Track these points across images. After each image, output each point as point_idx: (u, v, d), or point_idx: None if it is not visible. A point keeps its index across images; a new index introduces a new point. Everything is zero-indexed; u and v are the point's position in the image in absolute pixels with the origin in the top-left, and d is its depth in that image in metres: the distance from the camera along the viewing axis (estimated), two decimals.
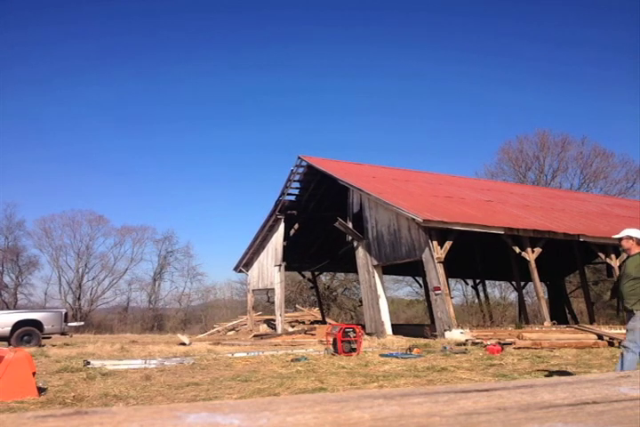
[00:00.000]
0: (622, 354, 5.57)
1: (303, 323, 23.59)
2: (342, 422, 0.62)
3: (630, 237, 5.78)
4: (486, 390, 0.79)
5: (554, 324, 14.02)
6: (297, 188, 20.20)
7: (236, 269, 23.61)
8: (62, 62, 67.93)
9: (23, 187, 65.68)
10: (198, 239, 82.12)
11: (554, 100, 68.37)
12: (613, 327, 13.34)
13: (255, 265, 22.32)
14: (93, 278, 44.21)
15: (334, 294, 36.06)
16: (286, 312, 26.41)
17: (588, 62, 65.38)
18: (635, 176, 36.22)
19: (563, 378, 0.94)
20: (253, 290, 22.82)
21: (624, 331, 11.68)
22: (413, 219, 13.39)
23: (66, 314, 14.85)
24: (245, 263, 22.68)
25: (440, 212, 14.18)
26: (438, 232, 13.60)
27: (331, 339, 9.64)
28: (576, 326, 12.38)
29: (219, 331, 24.50)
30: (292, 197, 20.55)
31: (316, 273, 25.22)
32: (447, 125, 74.93)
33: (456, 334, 12.20)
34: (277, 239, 20.64)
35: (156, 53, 73.13)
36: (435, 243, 13.42)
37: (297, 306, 29.11)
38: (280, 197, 20.15)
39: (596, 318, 18.14)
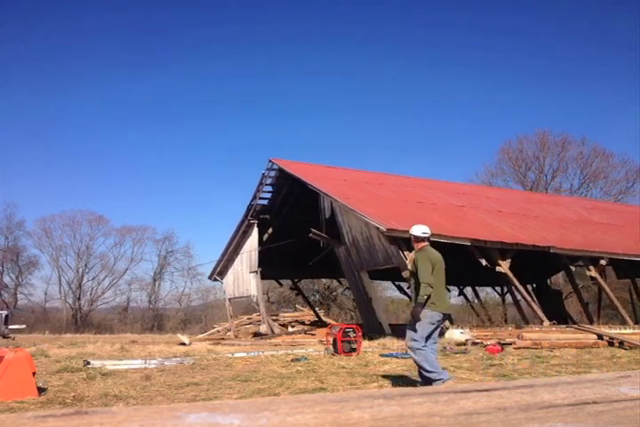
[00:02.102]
0: (415, 353, 5.49)
1: (303, 323, 23.56)
2: (342, 423, 0.62)
3: (411, 235, 5.90)
4: (486, 390, 0.79)
5: (554, 324, 14.01)
6: (269, 191, 19.61)
7: (210, 277, 22.86)
8: (62, 62, 67.96)
9: (23, 187, 65.77)
10: (198, 239, 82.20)
11: (554, 100, 68.42)
12: (613, 327, 13.33)
13: (230, 272, 21.49)
14: (93, 278, 44.28)
15: (334, 293, 36.07)
16: (285, 312, 26.31)
17: (588, 62, 65.43)
18: (635, 176, 36.25)
19: (563, 378, 0.94)
20: (229, 298, 21.94)
21: (624, 331, 11.70)
22: (377, 227, 13.03)
23: (6, 316, 14.51)
24: (220, 271, 21.87)
25: (407, 219, 13.50)
26: (407, 240, 13.10)
27: (331, 339, 9.64)
28: (576, 326, 12.37)
29: (219, 331, 24.49)
30: (265, 202, 19.97)
31: (296, 280, 24.14)
32: (447, 125, 74.96)
33: (456, 334, 12.19)
34: (251, 245, 19.94)
35: (157, 53, 73.15)
36: (406, 253, 12.70)
37: (297, 306, 29.05)
38: (252, 201, 19.58)
39: (594, 318, 18.01)
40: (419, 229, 5.82)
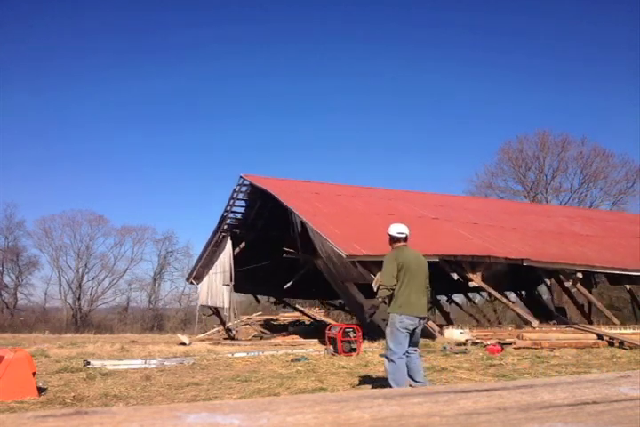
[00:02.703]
0: (387, 362, 5.29)
1: (303, 324, 23.53)
2: (342, 423, 0.62)
3: (387, 234, 5.68)
4: (486, 390, 0.79)
5: (554, 324, 14.01)
6: (242, 206, 19.36)
7: (187, 279, 22.52)
8: (62, 62, 67.98)
9: (23, 187, 65.77)
10: (198, 239, 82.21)
11: (554, 100, 68.40)
12: (613, 327, 13.32)
13: (205, 280, 21.07)
14: (93, 278, 44.30)
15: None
16: (285, 313, 26.23)
17: (588, 62, 65.42)
18: (635, 176, 36.21)
19: (563, 378, 0.94)
20: (202, 305, 21.54)
21: (624, 331, 11.70)
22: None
23: None
24: (196, 276, 21.53)
25: (372, 238, 12.94)
26: (374, 262, 12.33)
27: (330, 339, 9.65)
28: (576, 325, 12.37)
29: (219, 331, 24.47)
30: (239, 215, 19.70)
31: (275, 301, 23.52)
32: (447, 125, 74.95)
33: (456, 334, 12.19)
34: (225, 257, 19.47)
35: (157, 53, 73.16)
36: (377, 273, 12.23)
37: (296, 306, 29.04)
38: (224, 213, 19.32)
39: (593, 318, 17.91)
40: (395, 229, 5.60)
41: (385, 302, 5.40)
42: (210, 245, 20.33)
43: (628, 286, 16.43)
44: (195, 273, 21.67)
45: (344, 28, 74.96)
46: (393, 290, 5.21)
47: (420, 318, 5.30)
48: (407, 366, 5.28)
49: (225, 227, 19.58)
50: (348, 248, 12.48)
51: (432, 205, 19.60)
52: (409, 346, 5.28)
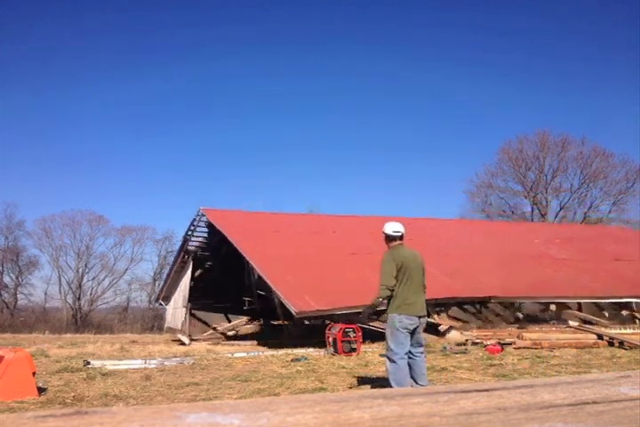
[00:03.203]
0: (388, 362, 5.25)
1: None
2: (342, 423, 0.62)
3: (383, 233, 5.58)
4: (486, 390, 0.79)
5: (553, 324, 14.02)
6: (205, 232, 19.07)
7: (156, 300, 22.58)
8: (62, 61, 68.00)
9: (23, 187, 65.77)
10: None
11: (554, 100, 68.36)
12: (613, 327, 13.32)
13: (172, 301, 21.16)
14: (93, 278, 44.32)
15: None
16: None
17: (588, 62, 65.39)
18: (635, 176, 36.21)
19: (563, 378, 0.94)
20: (168, 326, 21.52)
21: (624, 331, 11.69)
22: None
23: None
24: (164, 297, 21.65)
25: (326, 289, 12.48)
26: (328, 316, 12.22)
27: (331, 339, 9.65)
28: (576, 325, 12.37)
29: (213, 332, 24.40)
30: (202, 239, 19.47)
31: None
32: (447, 125, 74.92)
33: (456, 334, 12.19)
34: (186, 281, 19.39)
35: (157, 53, 73.18)
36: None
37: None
38: (185, 237, 19.13)
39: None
40: (390, 228, 5.49)
41: (384, 303, 5.39)
42: (174, 267, 20.40)
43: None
44: (162, 294, 21.77)
45: (344, 28, 74.95)
46: (393, 290, 5.17)
47: (420, 317, 5.27)
48: (411, 369, 5.26)
49: (188, 249, 19.34)
50: (299, 302, 11.63)
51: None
52: (414, 348, 5.25)
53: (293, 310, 11.52)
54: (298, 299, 11.87)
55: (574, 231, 24.01)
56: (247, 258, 14.42)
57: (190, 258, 19.33)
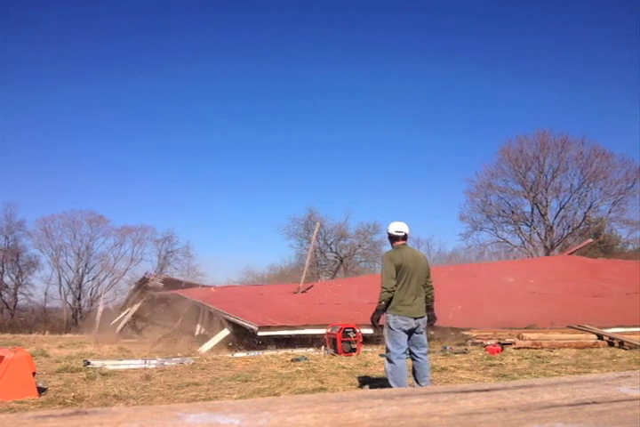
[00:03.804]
0: (386, 363, 5.23)
1: None
2: (342, 423, 0.62)
3: (387, 233, 5.55)
4: (486, 390, 0.79)
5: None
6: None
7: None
8: (62, 61, 67.94)
9: (23, 187, 65.68)
10: (198, 239, 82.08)
11: (554, 99, 68.26)
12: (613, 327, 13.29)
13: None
14: (93, 278, 44.24)
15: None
16: None
17: (588, 61, 65.32)
18: (635, 176, 36.17)
19: (563, 378, 0.94)
20: None
21: (623, 331, 11.68)
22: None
23: None
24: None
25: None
26: None
27: (330, 339, 9.65)
28: (576, 325, 12.37)
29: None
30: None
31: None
32: (447, 125, 74.86)
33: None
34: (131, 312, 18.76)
35: (157, 53, 73.10)
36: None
37: None
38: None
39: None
40: (393, 227, 5.44)
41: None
42: (128, 301, 20.32)
43: None
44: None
45: (344, 29, 74.89)
46: (394, 291, 5.14)
47: (417, 318, 5.20)
48: (414, 370, 5.26)
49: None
50: (258, 319, 10.97)
51: (365, 282, 16.16)
52: (416, 349, 5.22)
53: (255, 325, 10.75)
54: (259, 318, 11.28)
55: (549, 264, 22.06)
56: (204, 304, 13.43)
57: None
